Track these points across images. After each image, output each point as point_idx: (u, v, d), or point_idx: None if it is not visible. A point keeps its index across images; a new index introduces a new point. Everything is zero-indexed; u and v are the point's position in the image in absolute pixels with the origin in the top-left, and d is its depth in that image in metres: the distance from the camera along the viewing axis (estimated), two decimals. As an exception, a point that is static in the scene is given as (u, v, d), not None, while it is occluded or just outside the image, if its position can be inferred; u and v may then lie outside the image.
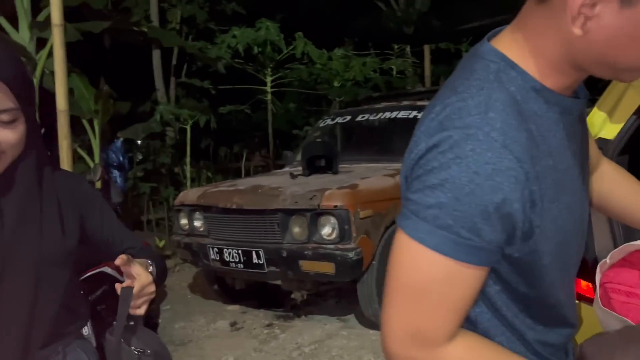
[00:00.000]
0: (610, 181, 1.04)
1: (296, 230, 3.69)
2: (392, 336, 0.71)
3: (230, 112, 8.95)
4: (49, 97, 3.65)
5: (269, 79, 8.50)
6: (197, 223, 4.24)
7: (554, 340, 0.83)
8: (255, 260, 3.79)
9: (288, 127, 9.84)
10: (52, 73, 3.01)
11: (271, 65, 8.38)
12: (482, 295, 0.75)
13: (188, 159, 6.87)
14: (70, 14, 4.54)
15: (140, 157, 8.15)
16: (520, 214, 0.66)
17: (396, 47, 9.70)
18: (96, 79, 5.93)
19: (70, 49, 3.33)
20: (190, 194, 4.40)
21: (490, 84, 0.69)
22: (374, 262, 3.58)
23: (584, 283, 1.56)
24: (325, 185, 3.76)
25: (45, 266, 1.05)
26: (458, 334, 0.71)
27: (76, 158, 5.79)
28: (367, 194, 3.67)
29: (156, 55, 9.01)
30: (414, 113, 4.55)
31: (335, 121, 5.22)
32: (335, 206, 3.52)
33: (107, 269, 2.44)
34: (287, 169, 4.99)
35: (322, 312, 4.26)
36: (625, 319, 1.04)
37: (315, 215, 3.60)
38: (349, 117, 5.11)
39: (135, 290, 1.02)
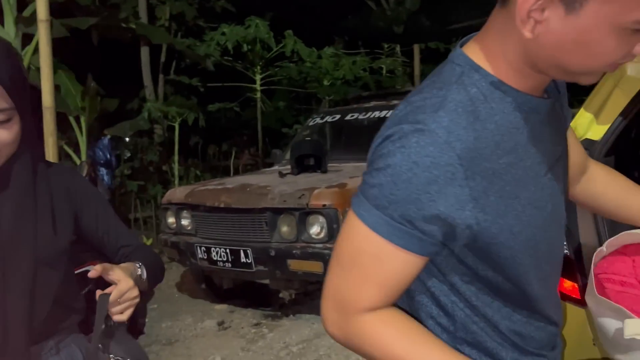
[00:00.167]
0: (601, 182, 1.07)
1: (284, 229, 3.68)
2: (323, 298, 0.78)
3: (219, 110, 8.92)
4: (35, 93, 3.60)
5: (258, 77, 8.48)
6: (185, 222, 4.21)
7: (534, 334, 0.84)
8: (243, 259, 3.77)
9: (277, 126, 9.82)
10: (38, 69, 2.97)
11: (260, 63, 8.36)
12: (453, 287, 0.79)
13: (176, 157, 6.83)
14: (57, 10, 4.49)
15: (127, 154, 8.08)
16: (456, 209, 0.70)
17: (386, 46, 9.73)
18: (83, 76, 5.86)
19: (57, 45, 3.29)
20: (177, 193, 4.37)
21: (450, 85, 0.73)
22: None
23: (568, 283, 1.56)
24: (314, 184, 3.76)
25: (38, 266, 1.05)
26: (382, 309, 0.75)
27: (63, 155, 5.74)
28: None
29: (144, 52, 8.94)
30: (403, 112, 4.55)
31: (324, 120, 5.21)
32: (324, 205, 3.51)
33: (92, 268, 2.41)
34: (276, 167, 4.97)
35: (311, 311, 4.25)
36: (620, 307, 1.05)
37: (304, 215, 3.59)
38: (338, 116, 5.10)
39: (112, 297, 1.00)
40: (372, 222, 0.72)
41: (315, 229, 3.58)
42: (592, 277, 1.15)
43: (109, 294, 1.00)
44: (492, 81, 0.74)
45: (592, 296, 1.13)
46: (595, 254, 1.19)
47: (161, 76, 9.71)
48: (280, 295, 4.57)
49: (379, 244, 0.72)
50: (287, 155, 5.03)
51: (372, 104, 5.08)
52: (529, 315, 0.83)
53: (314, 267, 3.52)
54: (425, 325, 0.82)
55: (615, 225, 1.37)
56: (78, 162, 5.29)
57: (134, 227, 7.07)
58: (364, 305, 0.75)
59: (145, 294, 1.13)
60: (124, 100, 8.16)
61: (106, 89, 6.37)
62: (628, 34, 0.65)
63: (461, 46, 0.78)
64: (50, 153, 2.92)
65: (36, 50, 4.32)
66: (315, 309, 4.30)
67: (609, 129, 1.62)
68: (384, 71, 9.49)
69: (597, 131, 1.63)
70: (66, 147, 5.69)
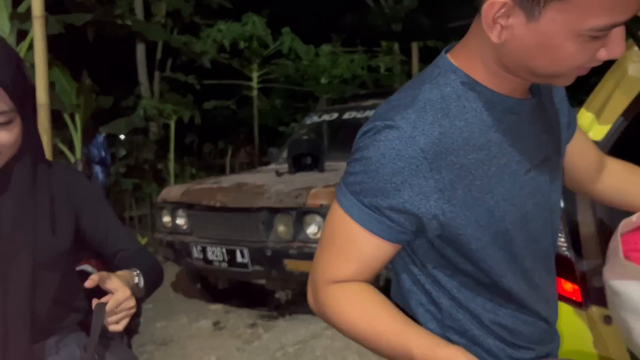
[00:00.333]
0: (621, 177, 1.08)
1: (281, 229, 3.65)
2: (310, 273, 0.87)
3: (215, 108, 8.89)
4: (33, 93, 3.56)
5: (255, 75, 8.44)
6: (180, 221, 4.17)
7: (523, 329, 0.88)
8: (239, 259, 3.74)
9: (274, 124, 9.80)
10: (33, 66, 2.93)
11: (257, 61, 8.32)
12: (436, 280, 0.85)
13: (172, 155, 6.79)
14: (52, 6, 4.43)
15: (122, 152, 8.04)
16: (420, 199, 0.76)
17: (384, 44, 9.70)
18: (78, 73, 5.81)
19: (52, 41, 3.25)
20: (173, 191, 4.34)
21: (423, 85, 0.79)
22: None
23: (569, 285, 1.54)
24: (311, 184, 3.73)
25: (37, 268, 1.05)
26: (349, 282, 0.82)
27: (57, 153, 5.69)
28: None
29: (140, 49, 8.89)
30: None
31: (322, 118, 5.18)
32: (321, 205, 3.48)
33: (88, 267, 2.39)
34: (272, 166, 4.94)
35: (307, 311, 4.22)
36: None
37: (301, 214, 3.56)
38: (335, 115, 5.07)
39: (109, 306, 0.99)
40: (347, 207, 0.80)
41: (312, 229, 3.55)
42: (617, 241, 1.12)
43: (106, 303, 0.99)
44: (467, 82, 0.79)
45: (616, 262, 1.10)
46: (622, 223, 1.15)
47: (157, 73, 9.67)
48: (277, 295, 4.55)
49: (351, 227, 0.80)
50: (284, 154, 5.00)
51: (370, 102, 5.05)
52: (517, 310, 0.87)
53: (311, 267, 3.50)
54: (415, 312, 0.87)
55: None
56: (73, 160, 5.25)
57: (128, 226, 7.04)
58: (331, 277, 0.82)
59: (142, 299, 1.11)
60: (119, 98, 8.12)
61: (101, 86, 6.32)
62: (586, 40, 0.69)
63: (447, 52, 0.83)
64: (45, 151, 2.89)
65: (31, 46, 4.28)
66: (311, 310, 4.28)
67: (610, 129, 1.60)
68: (382, 69, 9.46)
69: (598, 131, 1.61)
70: (61, 145, 5.65)
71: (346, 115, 4.95)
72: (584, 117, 1.66)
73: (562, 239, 1.52)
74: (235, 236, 3.81)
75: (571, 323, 1.48)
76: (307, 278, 3.45)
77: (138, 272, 1.12)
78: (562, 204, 0.96)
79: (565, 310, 1.49)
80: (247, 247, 3.70)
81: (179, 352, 3.58)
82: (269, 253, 3.62)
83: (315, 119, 5.24)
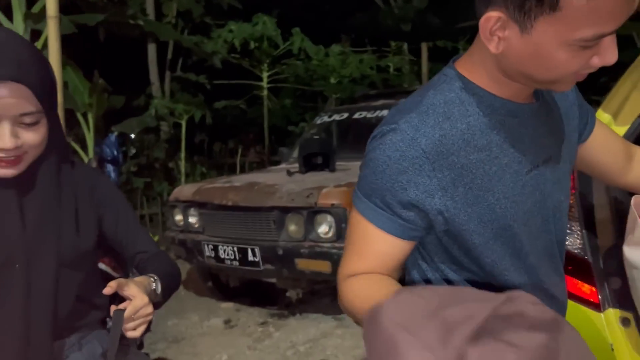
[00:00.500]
0: None
1: (292, 228, 3.66)
2: None
3: (225, 107, 8.91)
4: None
5: (265, 75, 8.46)
6: (192, 219, 4.20)
7: None
8: (250, 258, 3.76)
9: (283, 124, 9.81)
10: (47, 65, 2.97)
11: (268, 61, 8.34)
12: (443, 274, 0.90)
13: (183, 154, 6.82)
14: (65, 6, 4.48)
15: (133, 151, 8.09)
16: (425, 196, 0.82)
17: (393, 44, 9.68)
18: (90, 72, 5.85)
19: (65, 41, 3.28)
20: (185, 190, 4.36)
21: (428, 92, 0.85)
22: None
23: (586, 287, 1.54)
24: (322, 183, 3.74)
25: (60, 267, 1.06)
26: (362, 274, 0.87)
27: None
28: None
29: (151, 49, 8.93)
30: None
31: (332, 118, 5.19)
32: (332, 204, 3.49)
33: (102, 265, 2.41)
34: (283, 165, 4.96)
35: (317, 310, 4.24)
36: None
37: (312, 214, 3.57)
38: (346, 114, 5.08)
39: (127, 313, 0.99)
40: (361, 208, 0.86)
41: (324, 228, 3.56)
42: (634, 214, 1.13)
43: (124, 310, 0.99)
44: (471, 88, 0.85)
45: (635, 231, 1.11)
46: (633, 200, 1.16)
47: (168, 73, 9.71)
48: (287, 294, 4.56)
49: (366, 226, 0.86)
50: (294, 154, 5.01)
51: (380, 102, 5.05)
52: None
53: (322, 266, 3.50)
54: None
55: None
56: (85, 158, 5.29)
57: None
58: (348, 272, 0.88)
59: (159, 304, 1.11)
60: (130, 97, 8.16)
61: (112, 85, 6.36)
62: (577, 49, 0.74)
63: (454, 61, 0.90)
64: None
65: (44, 46, 4.31)
66: (322, 309, 4.28)
67: (628, 130, 1.60)
68: (391, 69, 9.45)
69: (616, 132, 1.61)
70: (73, 144, 5.69)
71: (356, 115, 4.95)
72: (601, 118, 1.65)
73: (579, 241, 1.52)
74: (246, 235, 3.83)
75: (588, 325, 1.47)
76: (318, 277, 3.46)
77: (156, 277, 1.12)
78: (567, 203, 0.97)
79: (581, 313, 1.48)
80: (259, 245, 3.72)
81: (190, 350, 3.61)
82: (280, 252, 3.63)
83: (326, 118, 5.25)
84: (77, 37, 5.39)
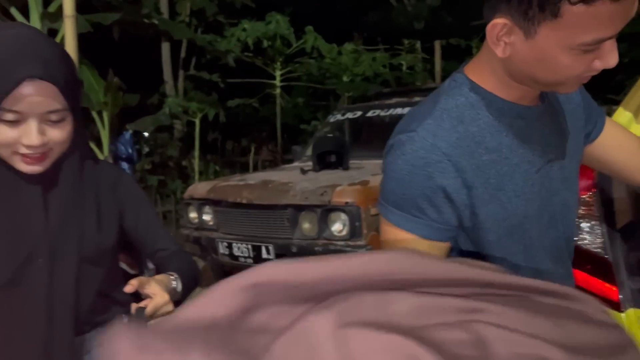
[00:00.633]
0: None
1: (306, 226, 3.67)
2: None
3: (237, 106, 8.94)
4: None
5: (278, 73, 8.47)
6: (207, 217, 4.22)
7: None
8: (264, 255, 3.77)
9: (295, 122, 9.83)
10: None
11: (280, 59, 8.35)
12: None
13: (197, 152, 6.85)
14: (80, 5, 4.51)
15: (146, 149, 8.15)
16: (455, 195, 0.84)
17: (406, 42, 9.65)
18: (104, 71, 5.90)
19: (80, 40, 3.31)
20: (199, 188, 4.38)
21: (440, 97, 0.89)
22: (384, 260, 3.55)
23: (606, 287, 1.53)
24: (335, 181, 3.74)
25: (82, 262, 1.07)
26: None
27: (85, 150, 5.78)
28: (378, 191, 3.63)
29: (165, 47, 8.99)
30: (426, 109, 4.51)
31: (345, 116, 5.18)
32: (346, 202, 3.49)
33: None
34: (296, 163, 4.96)
35: (330, 308, 4.24)
36: None
37: (326, 212, 3.58)
38: (359, 113, 5.07)
39: (148, 311, 1.00)
40: (396, 221, 0.87)
41: (337, 227, 3.56)
42: None
43: (144, 308, 1.00)
44: (480, 92, 0.88)
45: None
46: None
47: (181, 72, 9.76)
48: (300, 291, 4.57)
49: (405, 238, 0.86)
50: (308, 152, 5.01)
51: (394, 100, 5.03)
52: None
53: (336, 264, 3.50)
54: None
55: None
56: (101, 156, 5.34)
57: (153, 222, 7.11)
58: None
59: (179, 302, 1.12)
60: (144, 96, 8.22)
61: (126, 84, 6.40)
62: (579, 53, 0.77)
63: (463, 66, 0.93)
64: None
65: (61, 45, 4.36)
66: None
67: (649, 128, 1.58)
68: (404, 67, 9.43)
69: (637, 130, 1.59)
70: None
71: (370, 113, 4.94)
72: (622, 116, 1.64)
73: (599, 240, 1.51)
74: (260, 233, 3.84)
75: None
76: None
77: (176, 275, 1.12)
78: (575, 200, 0.99)
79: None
80: (273, 243, 3.73)
81: (205, 347, 3.63)
82: (294, 250, 3.64)
83: (339, 117, 5.25)
84: (91, 36, 5.44)
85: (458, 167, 0.84)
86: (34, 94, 0.95)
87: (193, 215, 4.30)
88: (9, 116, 0.95)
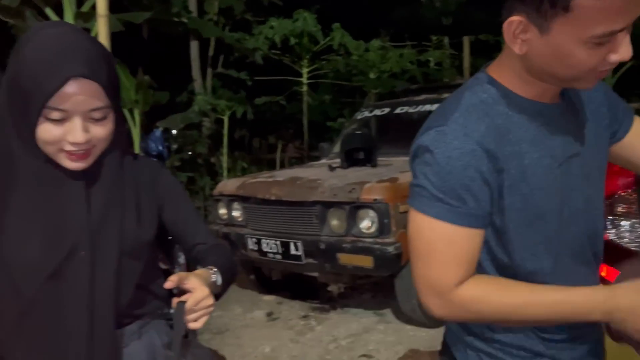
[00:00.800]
0: None
1: (334, 222, 3.68)
2: (418, 289, 0.93)
3: (264, 104, 8.98)
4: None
5: (305, 70, 8.48)
6: (236, 213, 4.26)
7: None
8: (293, 252, 3.79)
9: (321, 119, 9.82)
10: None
11: (308, 57, 8.36)
12: (479, 266, 0.94)
13: (225, 150, 6.91)
14: (111, 4, 4.60)
15: (175, 146, 8.24)
16: (491, 179, 0.88)
17: (434, 38, 9.55)
18: (134, 69, 5.99)
19: (111, 39, 3.38)
20: (229, 184, 4.43)
21: (464, 94, 0.93)
22: (413, 257, 3.53)
23: None
24: (364, 178, 3.73)
25: (122, 256, 1.08)
26: (468, 279, 0.90)
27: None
28: (407, 188, 3.61)
29: (194, 46, 9.07)
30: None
31: (372, 113, 5.17)
32: (375, 200, 3.48)
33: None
34: (324, 161, 4.97)
35: (358, 305, 4.25)
36: None
37: (354, 209, 3.58)
38: (387, 109, 5.05)
39: (188, 305, 1.01)
40: (436, 213, 0.88)
41: (366, 223, 3.56)
42: None
43: (185, 302, 1.01)
44: (501, 90, 0.92)
45: None
46: None
47: (209, 70, 9.84)
48: (329, 288, 4.59)
49: (446, 229, 0.88)
50: (335, 149, 5.01)
51: (423, 97, 5.00)
52: None
53: (364, 261, 3.50)
54: None
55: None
56: (132, 153, 5.42)
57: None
58: (454, 282, 0.89)
59: (218, 295, 1.13)
60: (172, 94, 8.32)
61: (155, 82, 6.49)
62: (593, 47, 0.80)
63: (486, 67, 0.97)
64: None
65: (94, 44, 4.44)
66: (363, 304, 4.29)
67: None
68: (432, 64, 9.33)
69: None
70: (120, 139, 5.84)
71: (398, 110, 4.91)
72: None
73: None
74: (289, 229, 3.87)
75: None
76: (360, 272, 3.47)
77: (215, 270, 1.13)
78: (599, 197, 1.00)
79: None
80: (301, 240, 3.75)
81: (234, 341, 3.67)
82: (322, 246, 3.65)
83: (367, 113, 5.23)
84: (121, 35, 5.53)
85: (489, 153, 0.87)
86: (79, 93, 0.97)
87: (222, 211, 4.35)
88: (55, 115, 0.97)
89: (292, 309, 4.24)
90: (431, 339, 3.47)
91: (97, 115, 1.00)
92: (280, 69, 8.73)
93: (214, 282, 1.11)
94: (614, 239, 1.45)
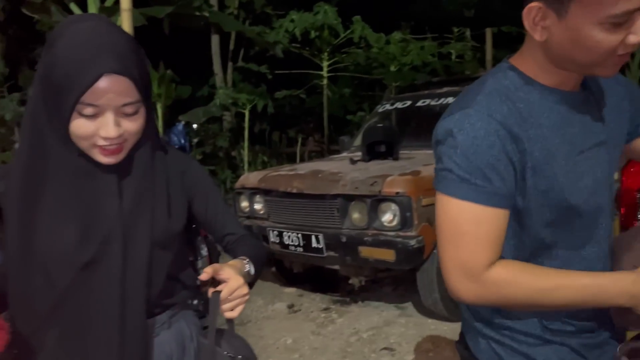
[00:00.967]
0: None
1: (356, 216, 3.67)
2: (447, 274, 0.93)
3: (284, 97, 8.98)
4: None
5: (325, 64, 8.46)
6: (258, 206, 4.29)
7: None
8: (314, 245, 3.81)
9: (341, 113, 9.80)
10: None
11: (328, 50, 8.33)
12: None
13: (246, 143, 6.95)
14: (136, -1, 4.65)
15: (196, 140, 8.32)
16: (515, 159, 0.90)
17: (456, 30, 9.44)
18: (156, 63, 6.04)
19: (134, 33, 3.42)
20: (251, 178, 4.46)
21: (487, 80, 0.96)
22: (435, 251, 3.52)
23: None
24: (386, 172, 3.72)
25: (153, 246, 1.10)
26: (498, 261, 0.91)
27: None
28: (430, 181, 3.53)
29: (215, 40, 9.12)
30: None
31: (394, 106, 5.13)
32: (397, 193, 3.47)
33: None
34: (345, 154, 4.97)
35: (379, 299, 4.25)
36: None
37: (376, 202, 3.57)
38: (409, 102, 5.01)
39: (223, 294, 1.02)
40: (462, 194, 0.90)
41: (388, 217, 3.54)
42: None
43: (220, 291, 1.03)
44: (523, 77, 0.95)
45: None
46: None
47: (230, 64, 9.89)
48: (350, 281, 4.59)
49: (474, 209, 0.90)
50: (355, 142, 5.00)
51: (445, 89, 4.95)
52: None
53: (386, 254, 3.49)
54: None
55: None
56: (155, 146, 5.49)
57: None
58: (484, 263, 0.90)
59: (251, 284, 1.14)
60: (194, 88, 8.39)
61: (177, 76, 6.55)
62: (610, 28, 0.82)
63: (508, 58, 1.00)
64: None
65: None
66: (384, 297, 4.29)
67: None
68: (453, 56, 9.23)
69: None
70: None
71: (420, 103, 4.88)
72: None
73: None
74: (310, 222, 3.87)
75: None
76: (381, 265, 3.46)
77: (248, 260, 1.15)
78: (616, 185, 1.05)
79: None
80: (323, 232, 3.76)
81: (256, 333, 3.71)
82: (343, 239, 3.65)
83: (388, 106, 5.20)
84: (143, 29, 5.59)
85: (513, 134, 0.89)
86: (111, 89, 0.97)
87: (244, 204, 4.38)
88: (88, 110, 0.98)
89: (313, 302, 4.26)
90: (453, 332, 3.45)
91: (128, 110, 1.01)
92: (300, 63, 8.72)
93: (248, 272, 1.12)
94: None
